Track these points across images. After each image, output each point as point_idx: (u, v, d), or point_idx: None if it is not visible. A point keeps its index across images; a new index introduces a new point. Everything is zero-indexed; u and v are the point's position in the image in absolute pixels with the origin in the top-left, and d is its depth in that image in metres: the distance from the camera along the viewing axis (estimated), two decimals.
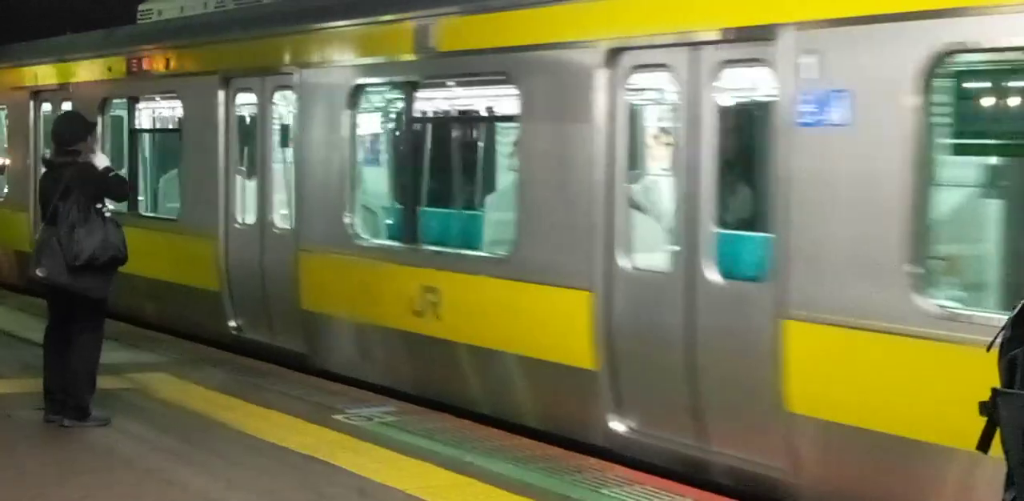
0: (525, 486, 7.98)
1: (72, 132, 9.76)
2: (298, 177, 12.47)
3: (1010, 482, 2.55)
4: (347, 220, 11.69)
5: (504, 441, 9.19)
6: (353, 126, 11.83)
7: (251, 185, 13.53)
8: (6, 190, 19.17)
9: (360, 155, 12.11)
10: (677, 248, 8.49)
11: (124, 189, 10.08)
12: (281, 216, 12.93)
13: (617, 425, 8.90)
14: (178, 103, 14.89)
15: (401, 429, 9.55)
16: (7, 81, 18.89)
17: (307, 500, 7.73)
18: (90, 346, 9.64)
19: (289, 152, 12.81)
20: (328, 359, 11.98)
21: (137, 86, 15.64)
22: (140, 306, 15.08)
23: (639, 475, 8.26)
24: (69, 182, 9.43)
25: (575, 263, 9.13)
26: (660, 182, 9.46)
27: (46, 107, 17.67)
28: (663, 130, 9.61)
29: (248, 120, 13.75)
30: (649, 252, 8.98)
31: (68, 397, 9.58)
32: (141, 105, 16.12)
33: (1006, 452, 2.52)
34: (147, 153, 16.46)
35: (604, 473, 8.30)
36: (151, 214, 15.67)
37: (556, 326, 9.33)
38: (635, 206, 9.23)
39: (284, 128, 13.02)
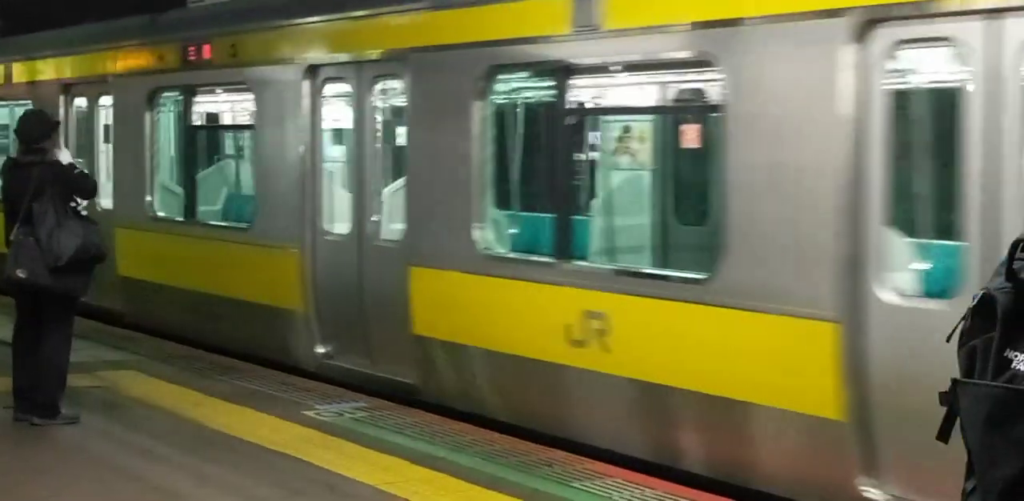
0: (496, 480, 8.00)
1: (40, 130, 9.74)
2: (409, 180, 10.76)
3: (971, 472, 2.58)
4: (475, 231, 9.87)
5: (474, 435, 9.21)
6: (482, 120, 9.92)
7: (341, 190, 11.84)
8: None
9: (491, 153, 10.07)
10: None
11: (92, 186, 10.03)
12: (383, 226, 11.25)
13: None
14: (249, 96, 13.00)
15: (372, 424, 9.56)
16: (33, 74, 17.20)
17: (277, 496, 7.73)
18: (60, 344, 9.62)
19: (393, 151, 11.30)
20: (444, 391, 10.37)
21: (195, 77, 13.83)
22: (206, 327, 13.48)
23: (609, 468, 8.30)
24: (40, 181, 9.39)
25: (812, 287, 7.39)
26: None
27: (79, 102, 16.12)
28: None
29: (341, 115, 11.99)
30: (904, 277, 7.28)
31: (37, 395, 9.56)
32: (200, 98, 14.45)
33: (966, 442, 2.55)
34: (206, 152, 15.24)
35: (574, 466, 8.33)
36: (218, 222, 14.06)
37: (783, 364, 7.57)
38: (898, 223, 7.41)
39: (388, 124, 11.38)
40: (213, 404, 10.32)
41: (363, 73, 11.30)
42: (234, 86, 13.59)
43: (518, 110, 11.28)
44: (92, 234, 9.45)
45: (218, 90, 14.43)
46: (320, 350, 11.68)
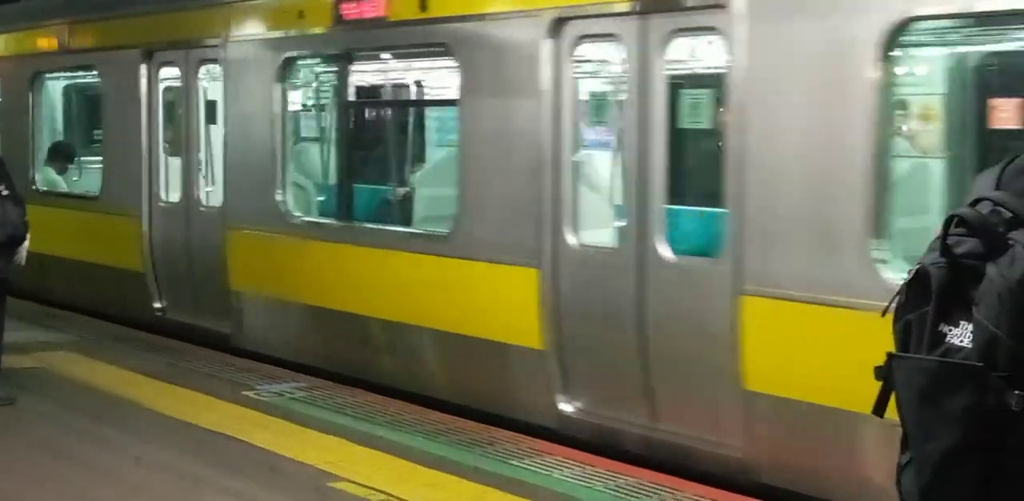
0: (437, 459, 8.01)
1: None
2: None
3: (905, 445, 2.60)
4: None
5: (415, 415, 9.21)
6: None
7: (606, 182, 9.12)
8: (104, 185, 14.23)
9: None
10: None
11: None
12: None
13: None
14: (448, 61, 9.87)
15: (311, 404, 9.54)
16: (101, 38, 14.27)
17: (217, 476, 7.70)
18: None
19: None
20: None
21: (357, 39, 10.75)
22: (361, 358, 10.63)
23: (550, 446, 8.32)
24: None
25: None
26: None
27: (169, 72, 13.08)
28: None
29: (605, 84, 9.23)
30: None
31: None
32: (362, 66, 11.60)
33: (901, 416, 2.58)
34: (374, 133, 12.58)
35: (516, 445, 8.35)
36: (391, 227, 10.70)
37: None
38: None
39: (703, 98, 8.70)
40: (151, 384, 10.25)
41: (650, 26, 8.19)
42: (423, 49, 10.63)
43: None
44: (12, 213, 9.36)
45: (389, 55, 11.48)
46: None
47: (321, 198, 11.85)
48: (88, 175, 15.34)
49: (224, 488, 7.49)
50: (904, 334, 2.61)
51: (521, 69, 8.91)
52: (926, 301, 2.57)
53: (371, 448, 8.28)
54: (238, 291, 11.81)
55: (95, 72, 14.44)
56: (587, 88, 9.19)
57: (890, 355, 2.60)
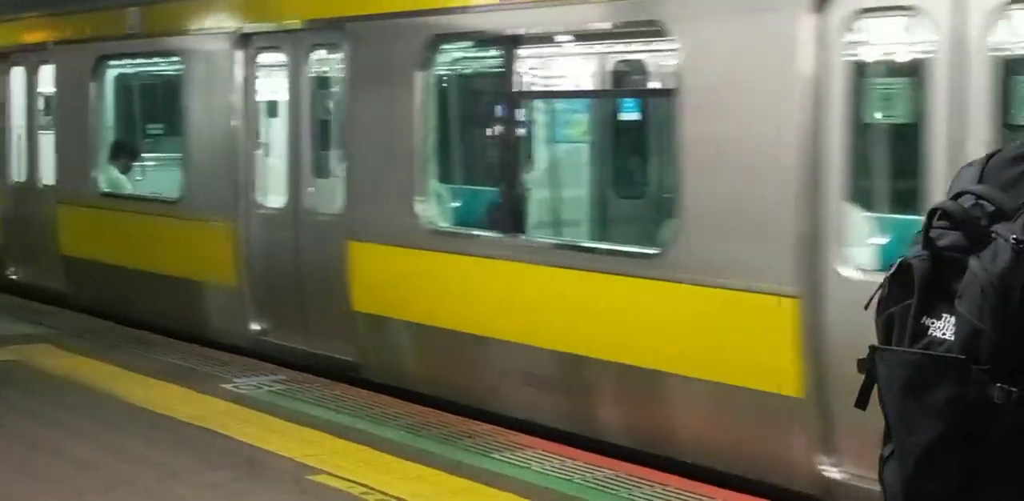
0: (417, 452, 8.01)
1: None
2: None
3: (888, 438, 2.62)
4: None
5: (395, 408, 9.21)
6: None
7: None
8: (183, 186, 12.33)
9: None
10: None
11: None
12: None
13: None
14: (665, 43, 8.34)
15: (291, 397, 9.54)
16: (190, 20, 12.29)
17: (197, 470, 7.70)
18: None
19: None
20: None
21: (534, 18, 8.90)
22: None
23: (531, 440, 8.33)
24: None
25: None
26: None
27: (271, 59, 11.42)
28: None
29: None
30: None
31: None
32: (534, 52, 10.00)
33: (883, 408, 2.59)
34: (558, 132, 11.00)
35: (496, 438, 8.36)
36: (597, 245, 9.38)
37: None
38: None
39: None
40: (130, 378, 10.23)
41: None
42: (631, 29, 9.07)
43: None
44: None
45: (572, 36, 9.86)
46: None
47: (477, 206, 10.40)
48: (155, 175, 14.04)
49: (204, 481, 7.49)
50: (886, 327, 2.62)
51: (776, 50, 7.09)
52: (908, 294, 2.59)
53: (351, 441, 8.28)
54: (365, 313, 10.07)
55: (175, 58, 12.64)
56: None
57: (872, 348, 2.62)
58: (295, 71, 10.99)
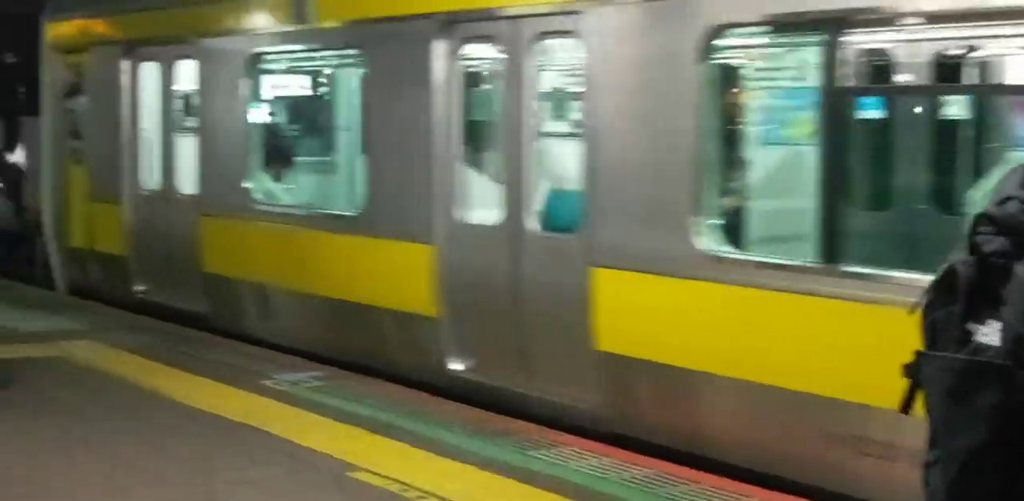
0: (454, 449, 8.06)
1: None
2: None
3: (933, 443, 2.64)
4: None
5: (430, 405, 9.26)
6: None
7: None
8: (364, 199, 10.76)
9: None
10: None
11: None
12: None
13: None
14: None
15: (329, 394, 9.60)
16: (374, 6, 10.66)
17: (238, 466, 7.77)
18: None
19: None
20: None
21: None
22: None
23: (566, 437, 8.37)
24: None
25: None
26: None
27: (481, 50, 10.05)
28: None
29: None
30: None
31: None
32: (871, 37, 8.34)
33: (929, 413, 2.62)
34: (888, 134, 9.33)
35: (531, 435, 8.40)
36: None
37: None
38: None
39: None
40: (172, 374, 10.32)
41: None
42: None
43: None
44: (4, 207, 9.59)
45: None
46: None
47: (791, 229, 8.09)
48: (314, 183, 12.85)
49: (245, 478, 7.55)
50: (931, 332, 2.65)
51: None
52: (953, 299, 2.61)
53: (389, 438, 8.33)
54: (612, 354, 8.47)
55: (355, 51, 10.96)
56: None
57: (918, 353, 2.64)
58: (511, 65, 9.32)
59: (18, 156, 18.17)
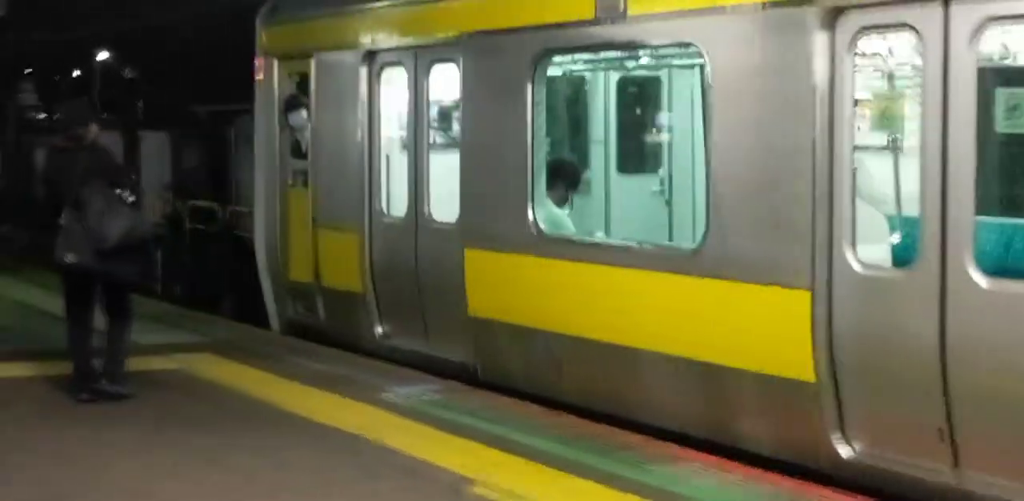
0: (572, 464, 7.98)
1: (81, 116, 10.11)
2: None
3: None
4: None
5: (547, 418, 9.20)
6: None
7: None
8: (710, 233, 8.49)
9: None
10: None
11: (127, 176, 10.46)
12: None
13: None
14: None
15: (446, 407, 9.57)
16: None
17: (356, 479, 7.76)
18: (123, 327, 10.03)
19: None
20: None
21: None
22: None
23: (685, 452, 8.26)
24: (86, 168, 9.68)
25: None
26: None
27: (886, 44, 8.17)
28: None
29: None
30: None
31: (106, 370, 9.93)
32: None
33: None
34: None
35: (651, 450, 8.30)
36: None
37: None
38: None
39: None
40: (288, 386, 10.37)
41: None
42: None
43: None
44: (138, 219, 9.86)
45: None
46: None
47: None
48: (623, 208, 11.45)
49: (363, 491, 7.54)
50: None
51: None
52: None
53: (507, 452, 8.28)
54: None
55: (692, 48, 8.78)
56: None
57: None
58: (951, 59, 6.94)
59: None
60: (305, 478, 7.77)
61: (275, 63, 13.37)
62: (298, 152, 13.01)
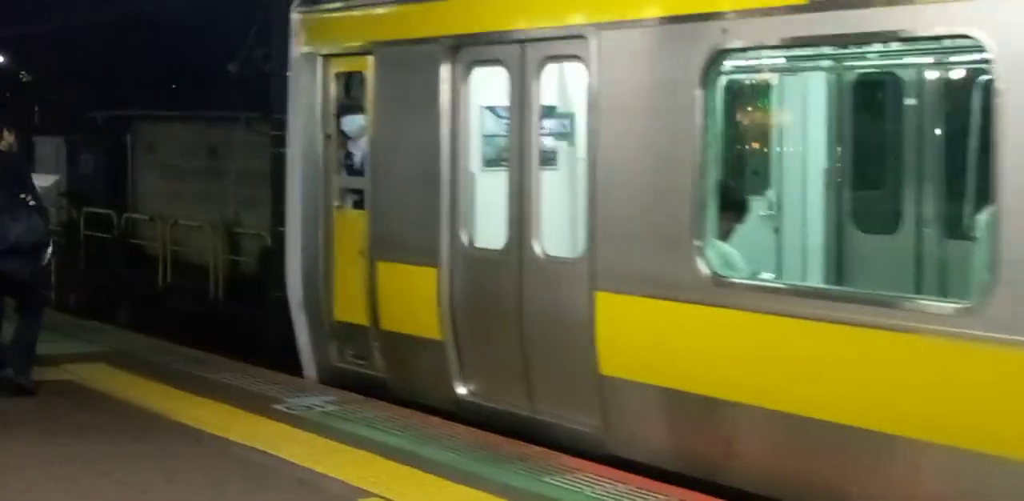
0: (468, 475, 7.98)
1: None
2: None
3: None
4: None
5: (444, 429, 9.18)
6: None
7: None
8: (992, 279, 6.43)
9: None
10: None
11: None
12: None
13: None
14: None
15: (342, 418, 9.53)
16: None
17: (248, 491, 7.70)
18: (30, 322, 10.41)
19: None
20: None
21: None
22: None
23: (583, 463, 8.28)
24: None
25: None
26: None
27: None
28: None
29: None
30: None
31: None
32: None
33: None
34: None
35: (547, 461, 8.31)
36: None
37: None
38: None
39: None
40: (182, 397, 10.26)
41: None
42: None
43: None
44: (37, 223, 10.11)
45: None
46: None
47: None
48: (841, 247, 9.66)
49: None
50: None
51: None
52: None
53: (402, 463, 8.25)
54: None
55: (962, 41, 6.77)
56: None
57: None
58: None
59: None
60: (198, 491, 7.70)
61: (317, 60, 11.07)
62: (351, 169, 10.87)
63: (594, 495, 7.57)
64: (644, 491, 7.64)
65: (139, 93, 24.12)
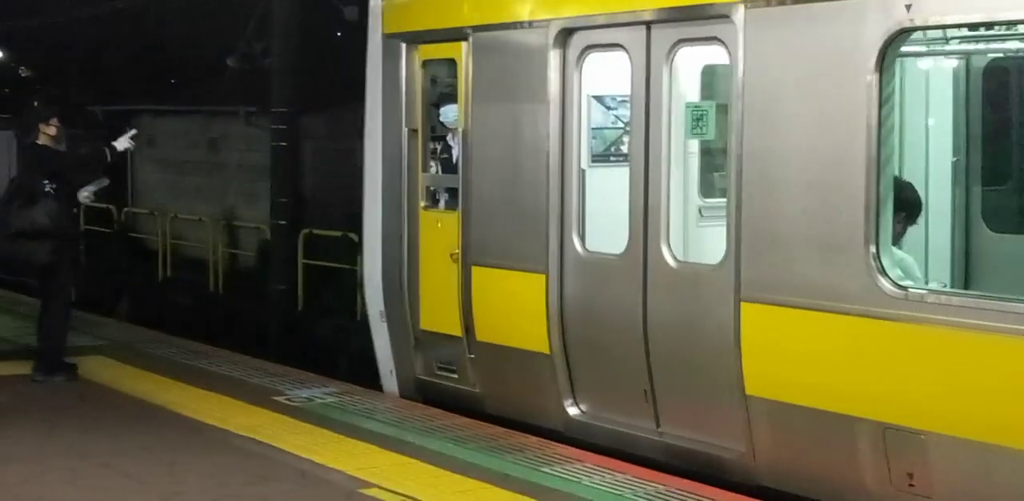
0: (466, 465, 8.03)
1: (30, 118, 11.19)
2: None
3: None
4: None
5: (443, 420, 9.24)
6: None
7: None
8: None
9: None
10: None
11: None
12: None
13: None
14: None
15: (342, 410, 9.58)
16: None
17: (248, 482, 7.74)
18: (52, 313, 10.79)
19: None
20: None
21: None
22: None
23: (580, 453, 8.34)
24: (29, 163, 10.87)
25: None
26: None
27: None
28: None
29: None
30: None
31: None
32: None
33: None
34: None
35: (545, 451, 8.37)
36: None
37: None
38: None
39: None
40: (182, 389, 10.31)
41: None
42: None
43: None
44: (51, 208, 10.44)
45: None
46: None
47: None
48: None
49: (255, 493, 7.53)
50: None
51: None
52: None
53: (401, 454, 8.31)
54: None
55: None
56: None
57: None
58: None
59: None
60: (198, 482, 7.74)
61: (402, 46, 10.10)
62: (446, 165, 9.98)
63: (591, 485, 7.62)
64: (640, 480, 7.69)
65: (139, 87, 24.12)
